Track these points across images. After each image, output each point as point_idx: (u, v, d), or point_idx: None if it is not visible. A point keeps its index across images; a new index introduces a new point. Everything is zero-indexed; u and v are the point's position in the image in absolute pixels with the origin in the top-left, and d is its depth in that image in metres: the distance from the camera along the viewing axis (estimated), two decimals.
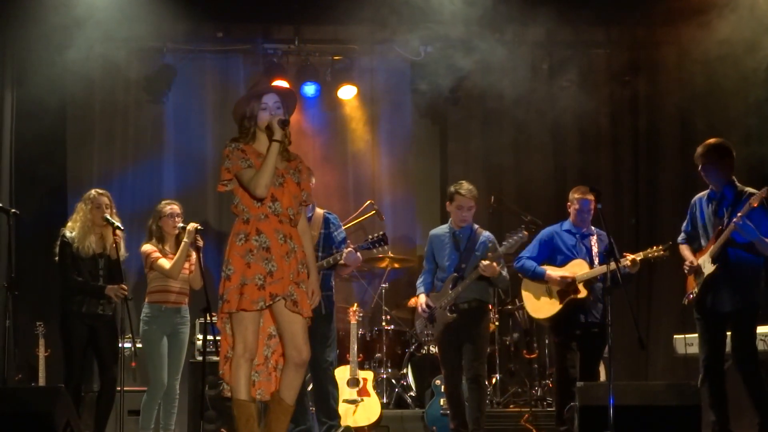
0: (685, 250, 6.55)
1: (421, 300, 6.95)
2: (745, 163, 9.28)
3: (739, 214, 6.11)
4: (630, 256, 6.76)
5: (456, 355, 6.84)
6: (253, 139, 4.98)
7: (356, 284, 9.39)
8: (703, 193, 6.51)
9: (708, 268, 6.28)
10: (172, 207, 7.17)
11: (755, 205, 6.11)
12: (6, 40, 8.94)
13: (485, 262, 6.70)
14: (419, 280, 7.12)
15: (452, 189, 6.99)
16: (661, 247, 6.81)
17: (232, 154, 4.90)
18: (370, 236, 6.81)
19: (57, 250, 6.85)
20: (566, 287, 6.89)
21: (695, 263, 6.38)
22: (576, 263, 6.97)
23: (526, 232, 6.83)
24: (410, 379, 8.57)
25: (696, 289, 6.35)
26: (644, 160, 9.73)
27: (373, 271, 9.30)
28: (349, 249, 6.57)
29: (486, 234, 7.00)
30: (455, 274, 6.84)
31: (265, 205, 4.88)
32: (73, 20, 8.47)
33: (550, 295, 6.99)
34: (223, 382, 5.10)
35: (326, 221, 6.76)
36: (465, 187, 6.93)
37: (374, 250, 6.89)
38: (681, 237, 6.63)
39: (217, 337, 7.26)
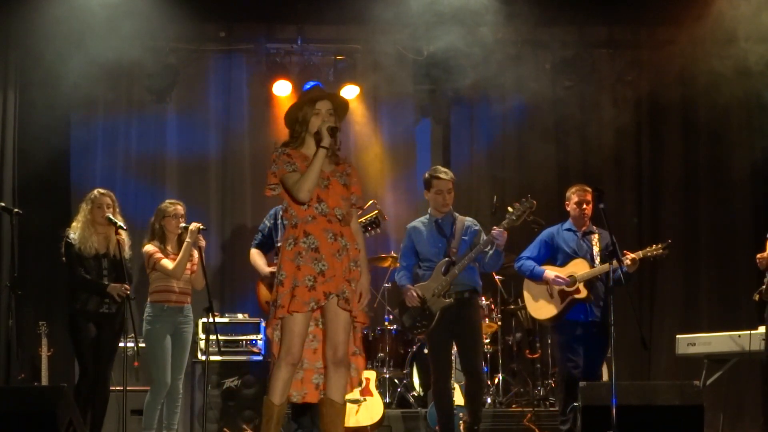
0: None
1: (411, 292, 6.69)
2: (747, 161, 9.34)
3: None
4: (630, 255, 6.77)
5: (448, 350, 6.75)
6: (302, 144, 5.00)
7: None
8: None
9: None
10: (176, 207, 7.16)
11: None
12: (9, 38, 8.94)
13: (498, 229, 6.48)
14: (398, 276, 6.86)
15: (428, 175, 6.79)
16: (660, 246, 6.82)
17: (278, 159, 4.93)
18: (362, 219, 6.66)
19: (62, 251, 6.86)
20: (566, 288, 6.90)
21: (765, 258, 6.32)
22: (576, 262, 6.97)
23: (534, 202, 6.64)
24: (414, 378, 8.57)
25: (765, 286, 6.30)
26: (647, 159, 9.72)
27: (375, 271, 9.29)
28: None
29: (469, 219, 6.86)
30: (446, 259, 6.67)
31: (312, 207, 4.90)
32: (75, 20, 8.47)
33: (551, 295, 6.99)
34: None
35: None
36: (441, 169, 6.78)
37: (367, 234, 6.79)
38: None
39: (226, 337, 7.36)
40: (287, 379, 4.89)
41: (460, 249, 6.69)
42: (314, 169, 4.85)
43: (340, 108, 5.09)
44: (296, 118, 5.01)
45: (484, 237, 6.70)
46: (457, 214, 6.87)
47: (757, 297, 6.39)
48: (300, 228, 4.89)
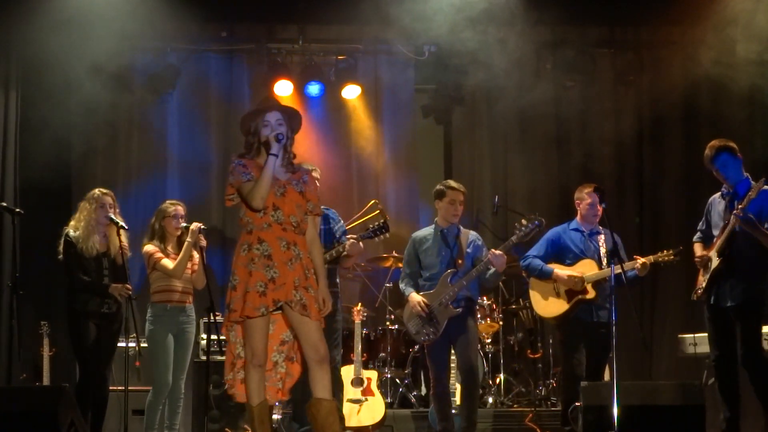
0: (697, 247, 6.55)
1: (416, 299, 6.78)
2: (748, 160, 9.31)
3: (739, 207, 6.12)
4: (641, 260, 6.76)
5: (447, 354, 6.84)
6: (257, 154, 5.14)
7: (360, 284, 9.39)
8: (718, 193, 6.53)
9: (714, 262, 6.29)
10: (176, 208, 7.16)
11: (754, 196, 6.13)
12: (10, 39, 8.95)
13: (498, 252, 6.64)
14: (403, 283, 6.97)
15: (440, 186, 6.95)
16: (671, 252, 6.78)
17: (234, 170, 5.09)
18: (371, 225, 6.84)
19: (61, 249, 6.86)
20: (574, 286, 6.88)
21: (705, 256, 6.36)
22: (585, 263, 6.94)
23: (543, 220, 6.77)
24: (422, 378, 8.57)
25: (703, 284, 6.34)
26: (648, 159, 9.73)
27: (377, 271, 9.30)
28: (351, 240, 6.64)
29: (473, 233, 7.01)
30: (451, 270, 6.77)
31: (268, 215, 5.03)
32: (76, 20, 8.48)
33: (558, 295, 6.97)
34: (228, 386, 5.21)
35: (325, 217, 6.79)
36: (454, 182, 6.96)
37: (376, 239, 6.89)
38: (696, 236, 6.63)
39: (222, 337, 7.32)
40: (258, 380, 5.07)
41: (465, 261, 6.81)
42: (265, 176, 4.98)
43: (293, 118, 5.22)
44: (249, 128, 5.15)
45: (485, 251, 6.85)
46: (461, 227, 6.97)
47: (695, 297, 6.43)
48: (255, 234, 5.04)
